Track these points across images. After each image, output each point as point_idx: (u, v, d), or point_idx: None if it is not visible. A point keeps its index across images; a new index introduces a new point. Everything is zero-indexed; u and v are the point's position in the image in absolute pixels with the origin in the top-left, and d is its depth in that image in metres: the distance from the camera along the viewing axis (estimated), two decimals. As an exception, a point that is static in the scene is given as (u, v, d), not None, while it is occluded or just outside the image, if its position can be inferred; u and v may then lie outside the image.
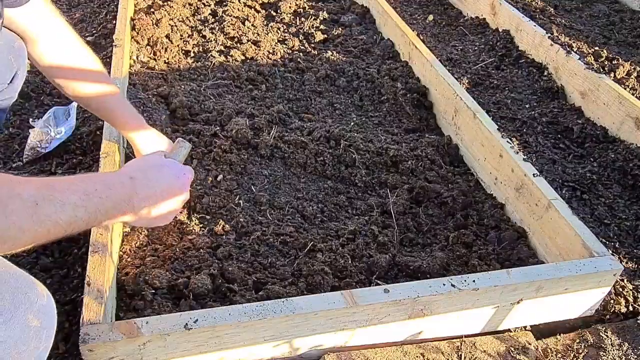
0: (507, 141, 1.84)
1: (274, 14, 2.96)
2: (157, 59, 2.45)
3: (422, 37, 2.89)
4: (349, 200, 1.83)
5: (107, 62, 2.09)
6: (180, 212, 1.65)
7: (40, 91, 2.23)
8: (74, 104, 2.04)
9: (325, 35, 2.81)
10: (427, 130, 2.22)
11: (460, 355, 1.36)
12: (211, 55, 2.50)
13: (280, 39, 2.74)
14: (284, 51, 2.62)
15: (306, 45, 2.72)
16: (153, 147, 1.53)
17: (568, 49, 2.54)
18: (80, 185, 0.90)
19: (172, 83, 2.27)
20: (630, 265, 1.71)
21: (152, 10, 2.72)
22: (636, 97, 2.32)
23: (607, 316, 1.55)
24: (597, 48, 2.83)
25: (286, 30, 2.83)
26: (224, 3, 2.96)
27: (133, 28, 2.55)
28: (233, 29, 2.72)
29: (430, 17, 3.26)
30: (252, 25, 2.82)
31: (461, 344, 1.38)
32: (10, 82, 1.45)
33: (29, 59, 1.42)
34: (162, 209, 1.08)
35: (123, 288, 1.39)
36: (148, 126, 1.56)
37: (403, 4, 3.42)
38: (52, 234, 0.85)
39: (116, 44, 2.16)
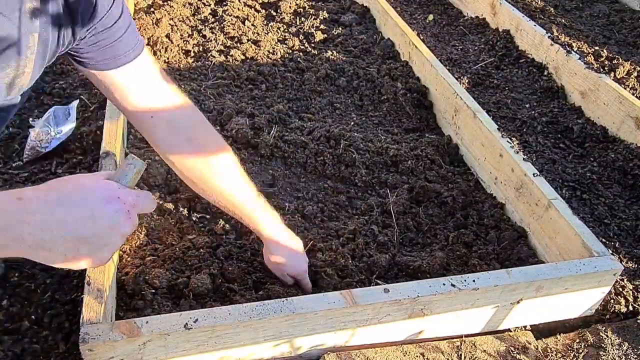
0: (507, 141, 1.84)
1: (274, 13, 2.96)
2: (157, 58, 2.45)
3: (422, 37, 2.89)
4: (349, 200, 1.83)
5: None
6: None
7: (40, 91, 2.23)
8: (74, 104, 2.04)
9: (325, 35, 2.81)
10: (427, 130, 2.22)
11: (460, 355, 1.36)
12: (211, 54, 2.50)
13: (280, 39, 2.74)
14: (284, 51, 2.62)
15: (306, 45, 2.72)
16: (285, 249, 1.41)
17: (568, 49, 2.54)
18: None
19: (172, 83, 2.27)
20: (630, 265, 1.71)
21: (152, 10, 2.72)
22: (636, 97, 2.32)
23: (607, 316, 1.55)
24: (597, 48, 2.83)
25: (286, 30, 2.83)
26: (224, 3, 2.96)
27: (133, 28, 2.54)
28: (233, 29, 2.72)
29: (430, 17, 3.26)
30: (252, 25, 2.82)
31: (461, 343, 1.38)
32: None
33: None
34: (79, 245, 0.78)
35: (123, 288, 1.39)
36: (283, 225, 1.42)
37: (403, 3, 3.42)
38: None
39: (116, 43, 2.15)
